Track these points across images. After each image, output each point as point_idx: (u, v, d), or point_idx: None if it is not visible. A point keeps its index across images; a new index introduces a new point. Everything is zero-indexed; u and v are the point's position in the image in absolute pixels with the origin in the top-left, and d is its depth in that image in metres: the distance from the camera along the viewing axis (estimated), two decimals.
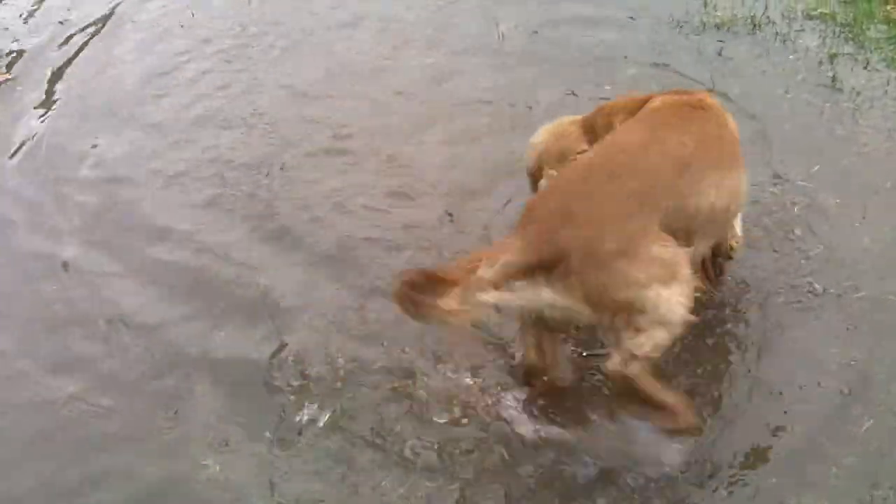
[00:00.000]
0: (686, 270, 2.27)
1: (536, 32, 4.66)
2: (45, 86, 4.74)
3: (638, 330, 2.22)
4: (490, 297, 2.21)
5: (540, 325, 2.42)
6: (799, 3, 4.61)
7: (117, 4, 5.38)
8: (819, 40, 4.32)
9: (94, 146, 4.20)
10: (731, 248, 2.85)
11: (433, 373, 2.83)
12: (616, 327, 2.25)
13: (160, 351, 3.05)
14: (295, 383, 2.87)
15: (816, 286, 2.96)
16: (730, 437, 2.53)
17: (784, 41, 4.35)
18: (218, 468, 2.64)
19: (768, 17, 4.52)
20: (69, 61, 4.95)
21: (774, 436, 2.55)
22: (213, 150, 4.05)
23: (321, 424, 2.72)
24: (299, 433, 2.70)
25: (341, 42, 4.81)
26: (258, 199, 3.71)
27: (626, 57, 4.35)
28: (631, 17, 4.67)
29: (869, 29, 4.33)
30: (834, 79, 4.00)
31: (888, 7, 4.44)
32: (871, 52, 4.17)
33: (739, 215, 2.81)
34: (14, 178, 4.04)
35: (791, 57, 4.24)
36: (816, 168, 3.46)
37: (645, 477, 2.46)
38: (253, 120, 4.23)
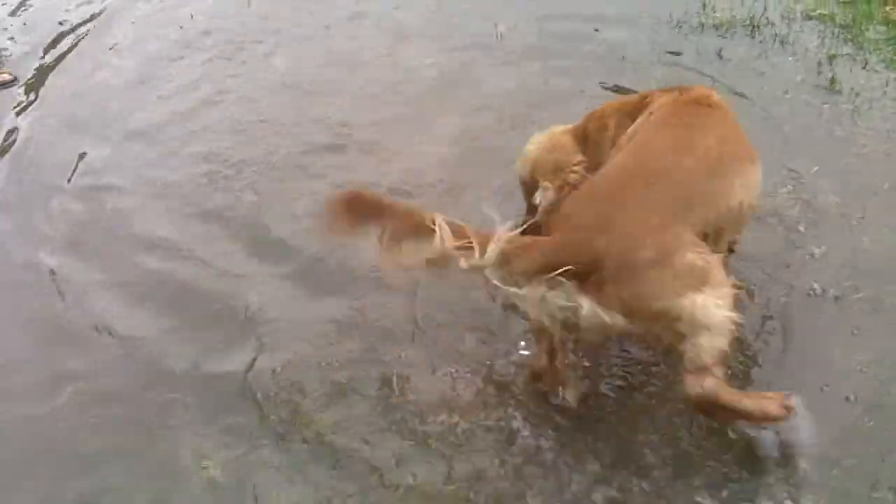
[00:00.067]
0: (720, 273, 2.26)
1: (536, 32, 4.67)
2: (35, 88, 4.75)
3: (684, 339, 2.22)
4: (517, 279, 2.21)
5: (561, 330, 2.38)
6: (798, 4, 4.63)
7: (116, 4, 5.39)
8: (818, 41, 4.33)
9: (83, 154, 4.20)
10: (735, 242, 2.86)
11: (424, 380, 2.83)
12: (663, 340, 2.26)
13: (147, 362, 3.05)
14: (283, 395, 2.85)
15: (816, 287, 2.96)
16: (730, 437, 2.52)
17: (783, 42, 4.36)
18: (207, 481, 2.63)
19: (767, 18, 4.53)
20: (59, 59, 4.97)
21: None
22: (204, 157, 4.05)
23: (309, 435, 2.70)
24: (287, 444, 2.69)
25: (341, 41, 4.81)
26: (249, 205, 3.71)
27: (624, 57, 4.37)
28: (631, 18, 4.68)
29: (868, 30, 4.34)
30: (833, 80, 4.00)
31: (887, 8, 4.45)
32: (870, 53, 4.18)
33: None
34: None
35: (790, 58, 4.25)
36: (816, 169, 3.46)
37: (645, 477, 2.45)
38: (248, 125, 4.23)
